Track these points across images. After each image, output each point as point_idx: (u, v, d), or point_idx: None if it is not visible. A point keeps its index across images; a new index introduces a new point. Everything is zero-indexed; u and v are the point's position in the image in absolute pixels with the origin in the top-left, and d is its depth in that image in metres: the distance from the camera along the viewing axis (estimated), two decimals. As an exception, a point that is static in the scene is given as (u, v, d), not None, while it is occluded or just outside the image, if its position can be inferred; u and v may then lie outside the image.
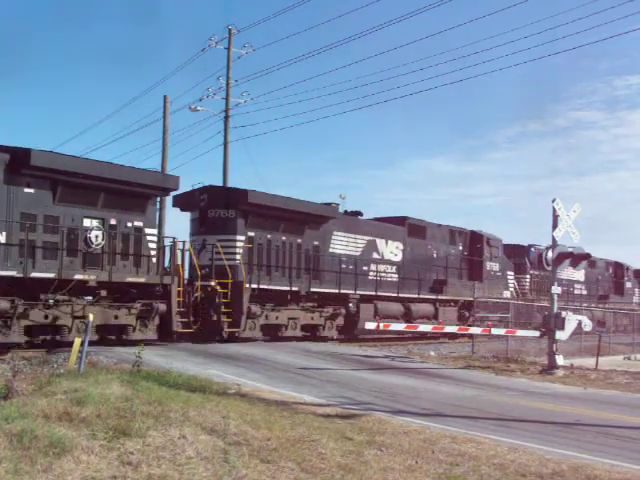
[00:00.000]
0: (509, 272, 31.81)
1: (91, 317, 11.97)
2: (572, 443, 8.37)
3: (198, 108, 29.82)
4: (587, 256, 18.34)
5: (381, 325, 19.37)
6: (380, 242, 24.68)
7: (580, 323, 17.98)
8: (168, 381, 10.40)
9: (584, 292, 39.06)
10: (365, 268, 23.87)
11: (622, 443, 8.63)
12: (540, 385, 14.51)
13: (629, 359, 21.34)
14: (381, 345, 23.04)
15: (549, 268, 17.67)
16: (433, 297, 26.39)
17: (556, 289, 17.61)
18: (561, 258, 17.34)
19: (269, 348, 18.11)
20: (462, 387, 13.43)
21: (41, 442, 6.22)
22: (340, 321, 22.38)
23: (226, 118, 29.67)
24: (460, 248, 29.00)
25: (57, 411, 7.39)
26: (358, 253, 23.60)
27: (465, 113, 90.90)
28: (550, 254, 17.30)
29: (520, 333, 20.47)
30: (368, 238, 24.20)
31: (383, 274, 24.53)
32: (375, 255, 24.37)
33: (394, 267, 25.19)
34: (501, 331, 20.28)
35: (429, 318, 25.73)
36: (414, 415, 9.79)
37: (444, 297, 26.89)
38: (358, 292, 22.80)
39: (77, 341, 11.25)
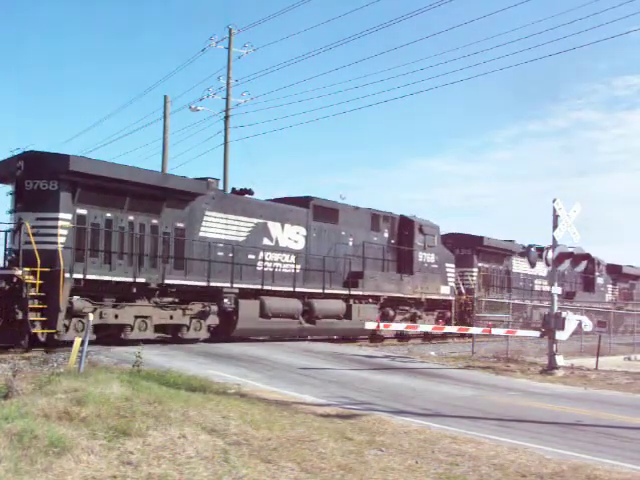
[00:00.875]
0: (448, 264, 27.39)
1: (91, 317, 11.97)
2: (572, 443, 8.37)
3: (198, 108, 29.84)
4: (587, 256, 18.35)
5: (381, 325, 19.40)
6: (274, 226, 20.56)
7: (580, 323, 18.00)
8: (168, 381, 10.41)
9: (546, 288, 36.43)
10: (252, 257, 19.82)
11: (622, 443, 8.62)
12: (540, 385, 14.51)
13: (629, 359, 21.33)
14: (381, 345, 23.04)
15: (549, 268, 17.67)
16: (345, 292, 22.08)
17: (556, 289, 17.61)
18: (561, 258, 17.34)
19: (270, 348, 18.12)
20: (462, 387, 13.43)
21: (41, 441, 6.22)
22: (213, 320, 18.45)
23: (226, 118, 29.67)
24: (385, 235, 24.57)
25: (57, 411, 7.39)
26: (241, 239, 19.56)
27: (465, 113, 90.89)
28: (550, 254, 17.30)
29: (520, 333, 20.46)
30: (257, 221, 20.08)
31: (277, 264, 20.48)
32: (266, 241, 20.30)
33: (293, 256, 20.90)
34: (501, 331, 20.27)
35: (339, 317, 21.77)
36: (414, 415, 9.79)
37: (358, 292, 22.47)
38: (236, 285, 18.79)
39: (77, 341, 11.24)
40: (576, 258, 17.58)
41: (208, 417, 7.84)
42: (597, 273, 40.43)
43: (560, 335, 17.00)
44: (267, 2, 74.56)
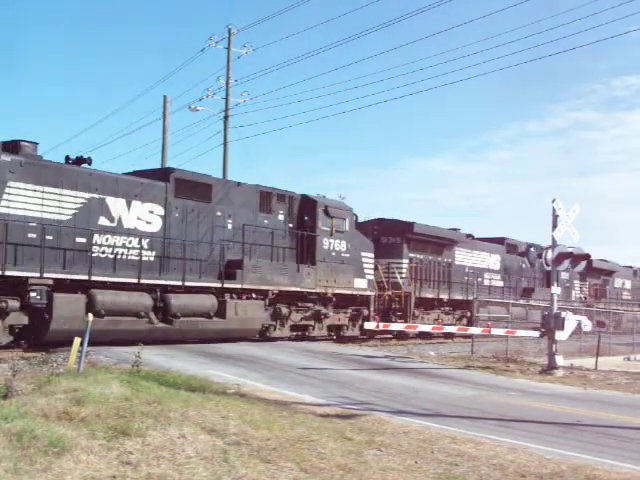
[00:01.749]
0: (366, 254, 23.18)
1: (90, 317, 11.95)
2: (572, 443, 8.37)
3: (198, 108, 29.83)
4: (587, 256, 18.34)
5: (381, 325, 19.40)
6: (116, 203, 16.48)
7: (580, 323, 18.00)
8: (168, 381, 10.41)
9: (499, 283, 32.66)
10: (81, 240, 15.67)
11: (622, 443, 8.62)
12: (540, 385, 14.51)
13: (629, 359, 21.35)
14: (381, 345, 23.04)
15: (549, 268, 17.67)
16: (216, 285, 18.09)
17: (556, 289, 17.61)
18: (561, 258, 17.34)
19: (270, 348, 18.11)
20: (462, 387, 13.43)
21: (40, 441, 6.21)
22: (18, 319, 14.48)
23: (226, 118, 29.66)
24: (280, 218, 20.40)
25: (56, 410, 7.39)
26: (66, 217, 15.52)
27: (464, 113, 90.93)
28: (550, 254, 17.29)
29: (520, 333, 20.47)
30: (90, 196, 16.00)
31: (121, 250, 16.38)
32: (105, 222, 16.25)
33: (145, 240, 16.87)
34: (501, 331, 20.28)
35: (208, 316, 17.73)
36: (414, 415, 9.78)
37: (236, 285, 18.39)
38: (51, 275, 14.71)
39: (76, 340, 11.24)
40: (576, 258, 17.56)
41: (207, 417, 7.83)
42: (563, 275, 36.67)
43: (560, 335, 17.00)
44: (267, 2, 74.59)
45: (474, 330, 20.21)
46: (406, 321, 24.40)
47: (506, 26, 48.57)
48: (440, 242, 28.39)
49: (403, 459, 7.04)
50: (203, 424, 7.52)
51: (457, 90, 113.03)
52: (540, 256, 17.80)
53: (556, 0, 59.34)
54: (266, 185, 20.39)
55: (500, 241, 33.26)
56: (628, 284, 46.14)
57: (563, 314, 17.14)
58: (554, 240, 17.25)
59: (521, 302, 31.50)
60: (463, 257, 30.03)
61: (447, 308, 28.52)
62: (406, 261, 26.37)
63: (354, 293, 22.58)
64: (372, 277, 23.57)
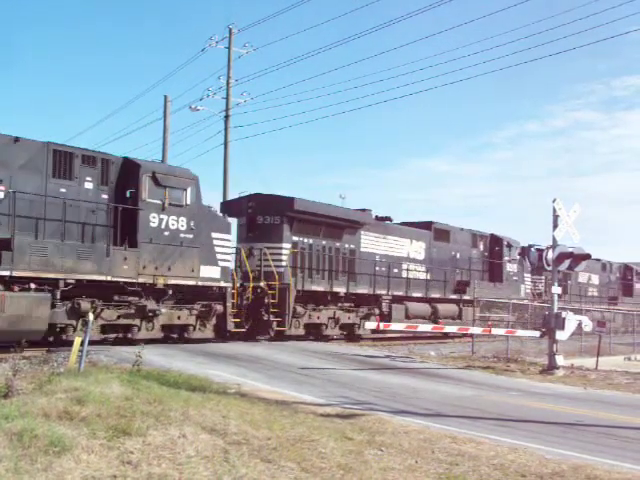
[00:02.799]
0: (218, 234, 18.29)
1: (91, 317, 11.95)
2: (572, 443, 8.37)
3: (198, 108, 29.87)
4: (587, 256, 18.33)
5: (381, 325, 19.39)
6: None
7: (580, 323, 18.00)
8: (168, 380, 10.40)
9: (422, 275, 27.41)
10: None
11: (622, 443, 8.62)
12: (540, 385, 14.51)
13: (629, 359, 21.34)
14: (381, 345, 23.04)
15: (549, 268, 17.67)
16: None
17: (556, 289, 17.61)
18: (561, 258, 17.34)
19: (270, 348, 18.11)
20: (462, 387, 13.43)
21: (41, 441, 6.21)
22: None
23: (226, 118, 29.68)
24: (88, 186, 15.79)
25: (57, 410, 7.39)
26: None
27: (464, 113, 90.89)
28: (550, 254, 17.29)
29: (520, 333, 20.46)
30: None
31: None
32: None
33: None
34: (501, 331, 20.27)
35: None
36: (414, 415, 9.78)
37: (3, 272, 13.74)
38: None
39: (77, 340, 11.24)
40: (576, 258, 17.56)
41: (208, 417, 7.83)
42: (506, 258, 31.34)
43: (560, 335, 17.00)
44: (267, 2, 74.58)
45: (474, 330, 20.20)
46: (283, 320, 20.17)
47: (506, 26, 48.66)
48: (338, 224, 22.91)
49: (404, 459, 7.04)
50: (204, 424, 7.52)
51: (457, 90, 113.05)
52: (541, 256, 17.78)
53: (556, 0, 59.35)
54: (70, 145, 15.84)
55: (426, 226, 27.88)
56: (595, 279, 41.14)
57: (563, 314, 17.15)
58: (554, 240, 17.24)
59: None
60: (372, 243, 24.56)
61: (347, 304, 22.95)
62: (287, 245, 21.04)
63: (200, 284, 17.51)
64: (229, 264, 18.97)
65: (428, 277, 27.02)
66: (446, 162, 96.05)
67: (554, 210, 17.05)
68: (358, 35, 57.84)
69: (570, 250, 17.53)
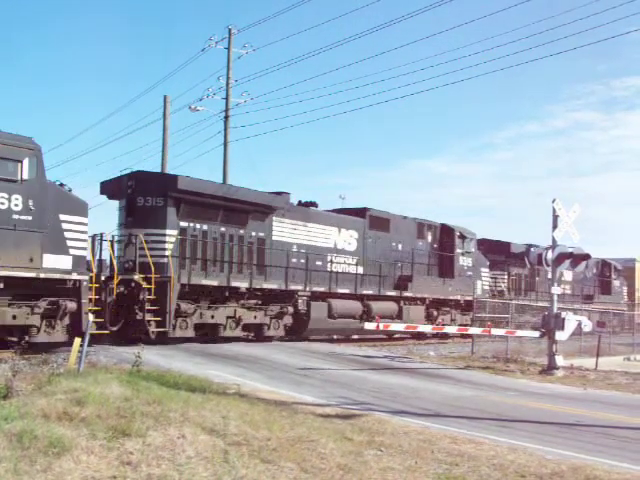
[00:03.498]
0: (69, 217, 14.89)
1: (91, 317, 11.97)
2: (572, 443, 8.37)
3: (198, 108, 29.83)
4: (587, 256, 18.34)
5: (381, 325, 19.38)
6: None
7: (580, 323, 18.01)
8: (168, 381, 10.41)
9: (353, 269, 23.32)
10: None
11: (622, 444, 8.63)
12: (540, 385, 14.52)
13: (629, 360, 21.35)
14: (381, 345, 23.04)
15: (549, 268, 17.68)
16: None
17: (556, 289, 17.62)
18: (561, 258, 17.34)
19: (269, 348, 18.12)
20: (462, 387, 13.43)
21: (41, 442, 6.21)
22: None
23: (226, 118, 29.66)
24: None
25: (57, 411, 7.39)
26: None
27: (464, 114, 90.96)
28: (550, 254, 17.30)
29: (519, 333, 20.47)
30: None
31: None
32: None
33: None
34: (501, 331, 20.27)
35: None
36: (414, 415, 9.79)
37: None
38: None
39: (77, 341, 11.24)
40: (576, 258, 17.57)
41: (208, 417, 7.83)
42: (459, 250, 27.75)
43: (560, 335, 17.00)
44: (267, 2, 74.61)
45: (474, 330, 20.21)
46: (164, 320, 17.01)
47: (506, 26, 48.63)
48: (242, 208, 19.65)
49: (403, 459, 7.04)
50: (203, 424, 7.52)
51: (457, 90, 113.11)
52: (540, 257, 17.78)
53: (556, 0, 59.39)
54: None
55: (360, 213, 24.17)
56: (568, 275, 37.00)
57: (563, 314, 17.16)
58: (554, 240, 17.25)
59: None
60: (289, 231, 21.18)
61: (253, 301, 19.61)
62: (172, 232, 18.00)
63: (42, 276, 14.32)
64: (83, 253, 15.51)
65: (361, 271, 23.36)
66: (446, 162, 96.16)
67: (554, 210, 17.06)
68: (358, 35, 57.90)
69: (570, 250, 17.54)
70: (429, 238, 27.01)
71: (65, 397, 7.96)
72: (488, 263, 30.05)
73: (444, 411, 10.32)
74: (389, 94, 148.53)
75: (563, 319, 16.97)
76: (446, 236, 27.57)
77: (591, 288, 39.86)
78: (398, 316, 23.86)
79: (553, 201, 17.13)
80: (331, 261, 22.27)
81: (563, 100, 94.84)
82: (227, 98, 29.83)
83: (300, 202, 22.60)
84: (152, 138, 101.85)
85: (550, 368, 16.71)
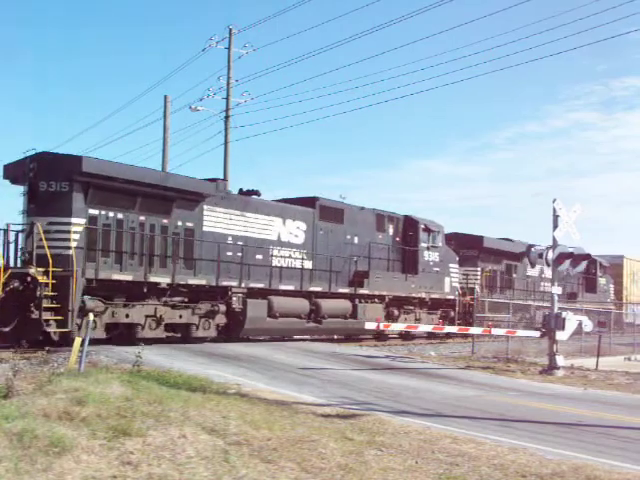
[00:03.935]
0: None
1: (91, 317, 11.96)
2: (572, 443, 8.37)
3: (199, 108, 29.85)
4: (587, 256, 18.35)
5: (381, 325, 19.38)
6: None
7: (581, 323, 18.02)
8: (168, 381, 10.41)
9: (298, 264, 21.14)
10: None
11: (622, 444, 8.62)
12: (540, 385, 14.51)
13: (629, 360, 21.33)
14: (381, 345, 23.03)
15: (549, 268, 17.67)
16: None
17: (556, 289, 17.61)
18: (561, 258, 17.34)
19: (270, 348, 18.12)
20: (462, 387, 13.43)
21: (41, 441, 6.21)
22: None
23: (226, 118, 29.67)
24: None
25: (57, 410, 7.39)
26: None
27: (464, 114, 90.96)
28: (550, 254, 17.30)
29: (520, 333, 20.47)
30: None
31: None
32: None
33: None
34: (501, 331, 20.27)
35: None
36: (414, 415, 9.78)
37: None
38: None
39: (77, 340, 11.24)
40: (576, 258, 17.57)
41: (208, 417, 7.83)
42: (424, 244, 25.60)
43: (560, 335, 17.00)
44: (267, 2, 74.61)
45: (474, 330, 20.21)
46: (66, 319, 15.24)
47: (506, 26, 48.64)
48: (165, 195, 17.68)
49: (404, 459, 7.04)
50: (204, 424, 7.52)
51: (457, 90, 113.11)
52: (541, 256, 17.78)
53: (556, 0, 59.38)
54: None
55: (309, 202, 22.05)
56: (548, 272, 37.50)
57: (564, 314, 17.15)
58: (554, 240, 17.25)
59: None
60: (223, 221, 19.27)
61: (178, 299, 17.66)
62: (78, 220, 16.11)
63: None
64: None
65: (309, 266, 21.35)
66: (446, 162, 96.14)
67: (554, 210, 17.06)
68: (358, 35, 57.84)
69: (570, 250, 17.54)
70: (390, 231, 24.86)
71: (66, 397, 7.96)
72: (457, 258, 27.87)
73: (445, 411, 10.32)
74: (389, 94, 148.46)
75: (564, 319, 16.96)
76: (410, 229, 25.50)
77: (575, 286, 37.67)
78: (352, 315, 22.16)
79: (553, 201, 17.13)
80: (274, 255, 20.38)
81: (563, 100, 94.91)
82: (227, 98, 29.84)
83: (241, 190, 20.80)
84: (153, 138, 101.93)
85: (551, 368, 16.71)
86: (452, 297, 26.77)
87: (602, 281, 40.26)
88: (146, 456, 6.31)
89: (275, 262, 20.39)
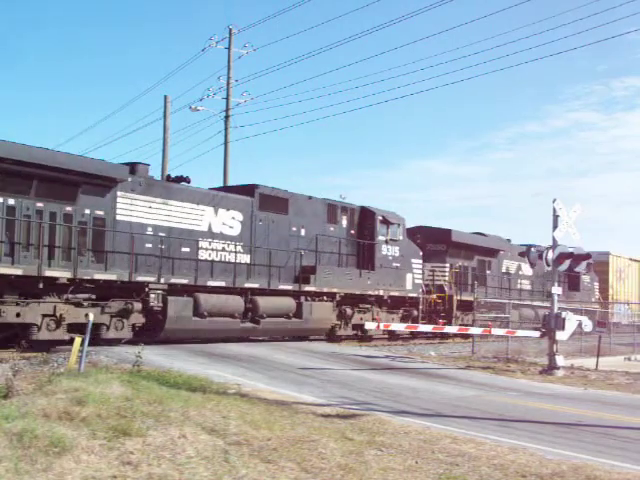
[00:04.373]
0: None
1: (91, 317, 11.95)
2: (572, 443, 8.37)
3: (199, 108, 29.88)
4: (587, 256, 18.33)
5: (381, 325, 19.38)
6: None
7: (580, 323, 18.01)
8: (168, 381, 10.41)
9: (231, 257, 19.12)
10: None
11: (622, 444, 8.62)
12: (540, 385, 14.51)
13: (629, 360, 21.32)
14: (381, 345, 23.03)
15: (549, 268, 17.67)
16: None
17: (556, 289, 17.61)
18: (561, 258, 17.33)
19: (270, 348, 18.12)
20: (462, 387, 13.43)
21: (41, 441, 6.21)
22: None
23: (226, 118, 29.69)
24: None
25: (57, 410, 7.39)
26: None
27: (464, 114, 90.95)
28: (550, 254, 17.29)
29: (520, 333, 20.46)
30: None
31: None
32: None
33: None
34: (501, 331, 20.27)
35: None
36: (414, 415, 9.78)
37: None
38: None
39: (77, 340, 11.24)
40: (576, 258, 17.56)
41: (208, 417, 7.84)
42: (381, 237, 23.60)
43: (560, 335, 17.00)
44: (267, 2, 74.62)
45: (474, 330, 20.21)
46: None
47: (506, 26, 48.67)
48: (68, 179, 15.70)
49: (404, 459, 7.04)
50: (204, 424, 7.52)
51: (457, 90, 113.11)
52: (541, 257, 17.77)
53: (556, 1, 59.40)
54: None
55: (247, 191, 20.05)
56: (527, 269, 32.73)
57: (563, 314, 17.15)
58: (554, 240, 17.24)
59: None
60: (141, 210, 17.21)
61: (84, 295, 15.76)
62: None
63: None
64: None
65: (247, 260, 19.45)
66: (446, 162, 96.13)
67: (554, 210, 17.05)
68: (358, 35, 57.92)
69: (570, 250, 17.53)
70: (344, 223, 22.74)
71: (66, 397, 7.96)
72: (421, 253, 25.72)
73: (445, 411, 10.32)
74: (389, 94, 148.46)
75: (563, 319, 16.96)
76: (367, 221, 23.40)
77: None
78: (296, 314, 20.17)
79: (553, 201, 17.13)
80: (203, 248, 18.37)
81: (563, 100, 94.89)
82: (227, 98, 29.86)
83: (169, 177, 19.19)
84: (152, 138, 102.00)
85: (551, 368, 16.71)
86: (415, 295, 24.91)
87: (586, 279, 38.14)
88: (146, 456, 6.31)
89: (205, 255, 18.39)
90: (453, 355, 20.78)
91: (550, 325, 17.13)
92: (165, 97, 29.92)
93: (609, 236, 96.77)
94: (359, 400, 10.87)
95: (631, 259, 43.57)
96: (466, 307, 26.86)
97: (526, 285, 33.11)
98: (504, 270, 31.84)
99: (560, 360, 16.91)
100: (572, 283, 36.29)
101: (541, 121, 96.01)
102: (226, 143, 29.43)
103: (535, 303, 30.08)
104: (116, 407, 7.71)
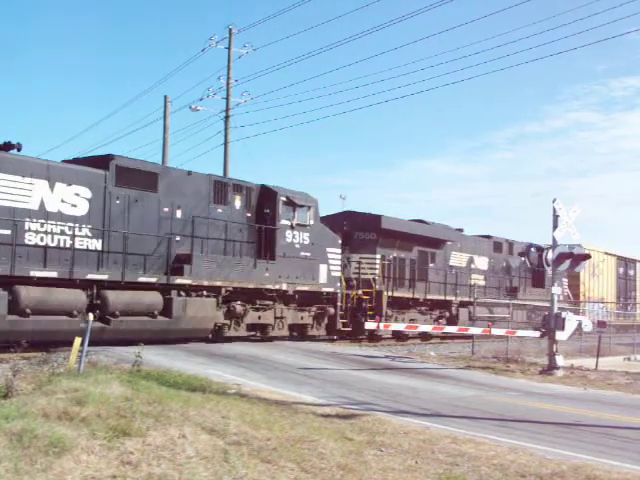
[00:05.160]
0: None
1: (91, 317, 11.94)
2: (572, 443, 8.37)
3: (198, 108, 29.86)
4: (587, 256, 18.34)
5: (381, 325, 19.38)
6: None
7: (580, 324, 18.02)
8: (168, 381, 10.40)
9: (82, 245, 15.70)
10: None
11: (622, 443, 8.62)
12: (540, 385, 14.51)
13: (629, 360, 21.33)
14: (381, 345, 23.03)
15: (549, 268, 17.67)
16: None
17: (556, 289, 17.61)
18: (561, 258, 17.34)
19: (270, 348, 18.11)
20: (462, 387, 13.43)
21: (41, 441, 6.21)
22: None
23: (226, 118, 29.67)
24: None
25: (57, 410, 7.38)
26: None
27: (464, 114, 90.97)
28: (550, 254, 17.29)
29: (520, 333, 20.47)
30: None
31: None
32: None
33: None
34: (501, 331, 20.28)
35: None
36: (414, 415, 9.78)
37: None
38: None
39: (77, 340, 11.23)
40: (576, 258, 17.56)
41: (208, 417, 7.83)
42: (285, 222, 20.01)
43: (560, 335, 17.00)
44: (267, 2, 74.62)
45: (475, 330, 20.21)
46: None
47: (506, 26, 48.65)
48: None
49: (403, 459, 7.04)
50: (203, 424, 7.52)
51: (457, 90, 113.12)
52: (541, 256, 17.77)
53: (555, 1, 59.41)
54: None
55: (99, 163, 16.53)
56: (483, 262, 30.54)
57: (563, 314, 17.16)
58: (554, 240, 17.24)
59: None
60: (49, 195, 15.09)
61: None
62: None
63: None
64: None
65: (97, 246, 15.94)
66: (446, 163, 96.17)
67: (554, 210, 17.06)
68: (358, 35, 57.94)
69: (570, 250, 17.53)
70: (237, 204, 19.23)
71: (65, 397, 7.96)
72: (340, 241, 22.26)
73: (444, 411, 10.32)
74: (389, 94, 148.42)
75: (563, 319, 16.97)
76: (267, 203, 19.79)
77: (516, 279, 32.72)
78: (164, 313, 16.66)
79: (553, 201, 17.13)
80: (30, 229, 14.81)
81: (562, 100, 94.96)
82: (227, 98, 29.84)
83: None
84: (152, 138, 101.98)
85: (550, 368, 16.71)
86: (332, 290, 21.27)
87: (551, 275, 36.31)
88: (146, 456, 6.31)
89: (35, 240, 14.86)
90: (453, 355, 20.79)
91: (550, 325, 17.13)
92: (165, 97, 29.96)
93: (609, 236, 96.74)
94: (359, 400, 10.86)
95: (607, 253, 39.29)
96: (402, 305, 24.54)
97: (479, 281, 29.72)
98: (452, 263, 28.71)
99: (560, 360, 16.91)
100: (535, 279, 33.48)
101: (541, 121, 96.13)
102: (226, 143, 29.41)
103: (458, 299, 27.56)
104: (116, 407, 7.70)
